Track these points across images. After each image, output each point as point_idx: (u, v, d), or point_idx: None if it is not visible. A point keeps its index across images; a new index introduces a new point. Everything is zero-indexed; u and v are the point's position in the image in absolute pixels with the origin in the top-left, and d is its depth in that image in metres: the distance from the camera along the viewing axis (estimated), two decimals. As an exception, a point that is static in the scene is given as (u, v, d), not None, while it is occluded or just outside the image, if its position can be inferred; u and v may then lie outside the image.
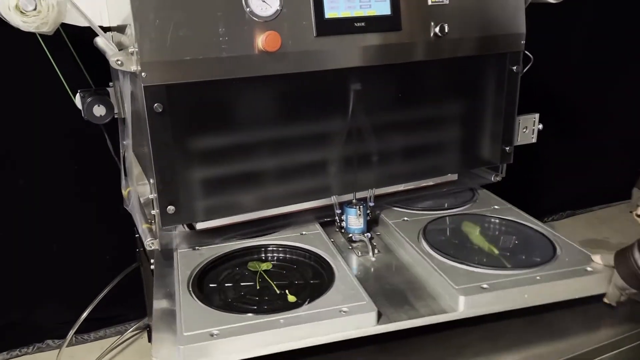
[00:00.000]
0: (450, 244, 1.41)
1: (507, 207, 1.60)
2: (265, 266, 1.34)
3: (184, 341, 1.03)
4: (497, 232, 1.49)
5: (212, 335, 1.04)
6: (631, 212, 1.57)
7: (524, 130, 1.67)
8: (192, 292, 1.20)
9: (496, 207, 1.59)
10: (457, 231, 1.49)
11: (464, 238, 1.44)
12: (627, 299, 1.22)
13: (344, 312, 1.10)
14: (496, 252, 1.36)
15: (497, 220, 1.52)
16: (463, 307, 1.15)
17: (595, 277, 1.23)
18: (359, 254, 1.42)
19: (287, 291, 1.22)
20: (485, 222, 1.52)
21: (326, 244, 1.39)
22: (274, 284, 1.26)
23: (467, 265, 1.26)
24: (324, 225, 1.51)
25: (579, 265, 1.26)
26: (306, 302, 1.15)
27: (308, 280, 1.29)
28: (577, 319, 1.22)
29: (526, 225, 1.48)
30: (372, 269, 1.37)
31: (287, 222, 1.50)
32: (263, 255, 1.40)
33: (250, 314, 1.12)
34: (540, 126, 1.68)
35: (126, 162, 1.39)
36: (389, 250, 1.45)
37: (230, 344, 1.04)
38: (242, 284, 1.28)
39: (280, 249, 1.40)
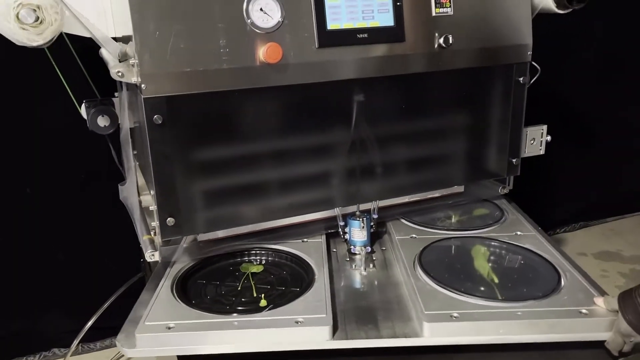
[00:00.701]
0: (449, 267, 1.36)
1: (530, 233, 1.50)
2: (255, 269, 1.36)
3: (141, 330, 1.11)
4: (505, 260, 1.41)
5: (168, 327, 1.11)
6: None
7: (532, 142, 1.64)
8: (174, 286, 1.26)
9: (519, 232, 1.50)
10: (463, 254, 1.42)
11: (468, 262, 1.38)
12: (631, 349, 1.11)
13: (299, 322, 1.11)
14: (496, 280, 1.30)
15: (510, 247, 1.43)
16: (428, 333, 1.10)
17: (587, 322, 1.12)
18: (353, 267, 1.41)
19: (262, 295, 1.25)
20: (497, 247, 1.44)
21: (321, 253, 1.40)
22: (255, 287, 1.29)
23: (451, 291, 1.20)
24: (333, 235, 1.51)
25: (575, 305, 1.16)
26: (268, 308, 1.17)
27: (288, 286, 1.30)
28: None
29: (539, 255, 1.38)
30: (358, 284, 1.36)
31: (292, 233, 1.50)
32: (257, 257, 1.41)
33: (210, 313, 1.16)
34: (549, 138, 1.66)
35: (129, 172, 1.39)
36: (386, 266, 1.42)
37: (181, 339, 1.09)
38: (226, 283, 1.32)
39: (273, 253, 1.42)
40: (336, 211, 1.49)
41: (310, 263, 1.37)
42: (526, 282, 1.31)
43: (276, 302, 1.22)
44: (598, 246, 2.90)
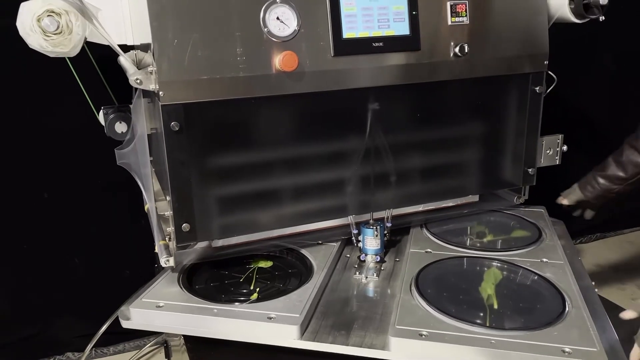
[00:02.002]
0: (451, 286, 1.32)
1: (558, 262, 1.40)
2: (264, 264, 1.41)
3: (135, 305, 1.24)
4: (515, 287, 1.33)
5: (157, 306, 1.22)
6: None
7: (548, 151, 1.63)
8: (183, 272, 1.35)
9: (545, 259, 1.41)
10: (473, 275, 1.37)
11: (475, 284, 1.32)
12: None
13: (271, 318, 1.15)
14: (495, 306, 1.24)
15: (526, 274, 1.35)
16: (392, 348, 1.09)
17: None
18: (356, 274, 1.41)
19: (258, 289, 1.31)
20: (512, 272, 1.37)
21: (329, 256, 1.43)
22: (255, 281, 1.34)
23: (434, 309, 1.17)
24: (351, 241, 1.52)
25: (562, 343, 1.07)
26: (250, 301, 1.23)
27: (285, 284, 1.34)
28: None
29: (553, 286, 1.28)
30: (353, 291, 1.35)
31: (307, 240, 1.51)
32: (270, 254, 1.46)
33: (200, 298, 1.24)
34: (565, 147, 1.64)
35: (144, 178, 1.40)
36: (390, 277, 1.40)
37: (165, 318, 1.20)
38: (233, 273, 1.37)
39: (285, 251, 1.47)
40: (349, 219, 1.49)
41: (313, 264, 1.40)
42: (526, 311, 1.23)
43: (266, 297, 1.26)
44: (614, 258, 2.86)
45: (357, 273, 1.42)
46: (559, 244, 1.51)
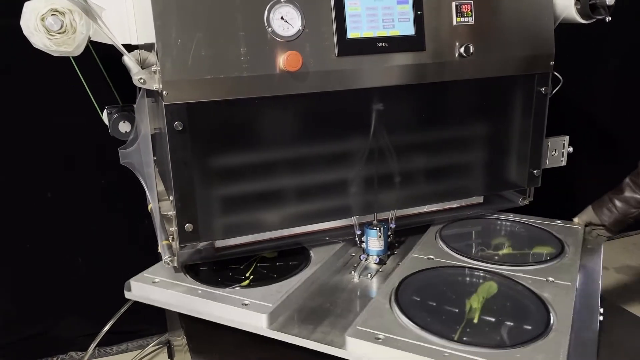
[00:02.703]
0: (437, 295, 1.27)
1: (564, 283, 1.29)
2: (268, 254, 1.45)
3: (137, 279, 1.34)
4: (506, 303, 1.25)
5: (153, 282, 1.32)
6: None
7: (553, 153, 1.62)
8: (192, 256, 1.40)
9: (552, 279, 1.31)
10: (466, 286, 1.31)
11: (464, 296, 1.26)
12: None
13: (245, 305, 1.21)
14: (475, 320, 1.18)
15: (523, 292, 1.26)
16: (348, 347, 1.10)
17: None
18: (351, 273, 1.41)
19: (251, 276, 1.36)
20: (509, 288, 1.29)
21: (329, 252, 1.45)
22: (253, 269, 1.38)
23: (403, 315, 1.14)
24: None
25: None
26: (233, 287, 1.29)
27: (280, 275, 1.36)
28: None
29: (546, 308, 1.19)
30: (339, 288, 1.36)
31: (311, 240, 1.51)
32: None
33: (192, 279, 1.32)
34: (570, 149, 1.63)
35: (147, 178, 1.40)
36: (384, 280, 1.37)
37: (158, 293, 1.30)
38: (236, 259, 1.42)
39: (294, 244, 1.48)
40: (353, 220, 1.48)
41: (312, 259, 1.42)
42: (503, 329, 1.15)
43: (256, 284, 1.31)
44: (619, 260, 2.85)
45: (352, 272, 1.41)
46: (579, 264, 1.40)
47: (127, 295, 1.35)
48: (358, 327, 1.12)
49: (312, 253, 1.46)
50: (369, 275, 1.40)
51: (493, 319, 1.18)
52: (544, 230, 1.59)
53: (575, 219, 1.67)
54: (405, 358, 1.04)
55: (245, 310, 1.20)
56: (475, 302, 1.23)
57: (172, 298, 1.28)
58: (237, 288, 1.29)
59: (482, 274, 1.34)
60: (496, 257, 1.45)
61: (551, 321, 1.15)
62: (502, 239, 1.57)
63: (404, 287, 1.27)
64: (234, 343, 1.24)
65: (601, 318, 1.22)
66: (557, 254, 1.44)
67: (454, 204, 1.66)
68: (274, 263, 1.44)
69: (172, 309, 1.30)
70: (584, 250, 1.50)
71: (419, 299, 1.25)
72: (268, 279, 1.34)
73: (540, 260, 1.41)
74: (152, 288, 1.30)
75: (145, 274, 1.35)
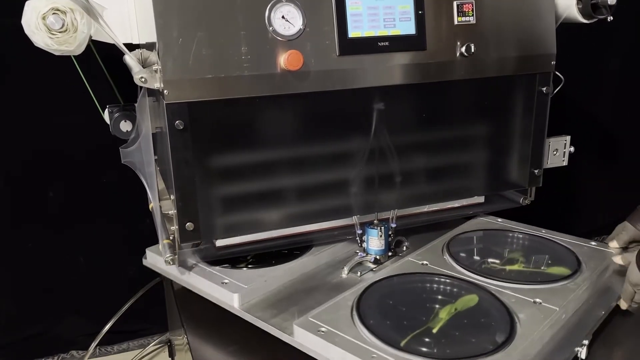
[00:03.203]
0: (407, 300, 1.24)
1: (552, 307, 1.18)
2: None
3: (152, 249, 1.53)
4: (475, 319, 1.18)
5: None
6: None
7: (555, 152, 1.62)
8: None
9: (539, 300, 1.21)
10: (444, 295, 1.26)
11: (436, 303, 1.23)
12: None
13: (224, 283, 1.32)
14: (434, 330, 1.13)
15: (497, 309, 1.18)
16: (295, 335, 1.15)
17: None
18: (343, 268, 1.43)
19: (251, 260, 1.46)
20: (486, 304, 1.21)
21: (330, 249, 1.50)
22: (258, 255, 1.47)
23: (356, 314, 1.15)
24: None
25: None
26: (224, 266, 1.40)
27: (278, 262, 1.43)
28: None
29: (512, 328, 1.11)
30: (325, 281, 1.39)
31: (311, 238, 1.51)
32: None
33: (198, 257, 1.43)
34: (572, 149, 1.63)
35: (148, 177, 1.41)
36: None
37: (160, 264, 1.43)
38: None
39: (303, 234, 1.52)
40: (354, 219, 1.48)
41: (309, 252, 1.47)
42: (454, 343, 1.11)
43: (251, 267, 1.41)
44: (621, 260, 2.84)
45: (344, 267, 1.43)
46: (586, 293, 1.28)
47: (144, 262, 1.55)
48: (309, 318, 1.15)
49: (313, 247, 1.50)
50: (359, 273, 1.41)
51: (454, 332, 1.13)
52: (569, 250, 1.45)
53: (613, 244, 1.43)
54: (330, 351, 1.07)
55: (221, 288, 1.30)
56: (444, 313, 1.19)
57: (173, 270, 1.41)
58: (227, 267, 1.39)
59: (465, 286, 1.27)
60: (503, 273, 1.37)
61: (508, 344, 1.07)
62: (517, 254, 1.47)
63: (376, 288, 1.26)
64: (235, 342, 1.25)
65: (582, 356, 1.12)
66: (565, 277, 1.31)
67: (455, 204, 1.66)
68: (280, 251, 1.48)
69: (170, 278, 1.47)
70: (602, 277, 1.35)
71: (390, 302, 1.24)
72: (264, 263, 1.42)
73: (541, 281, 1.30)
74: (159, 259, 1.43)
75: (160, 246, 1.41)
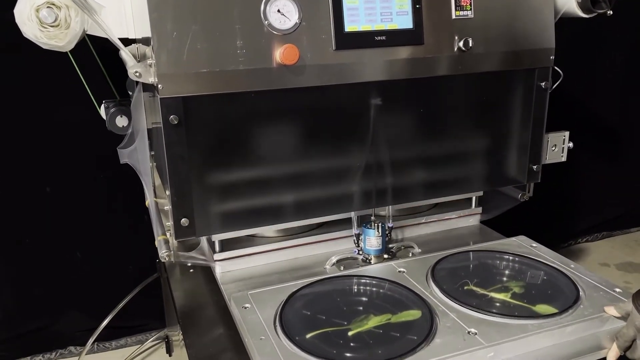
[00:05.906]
0: (347, 302, 1.23)
1: (479, 344, 1.05)
2: None
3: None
4: (399, 333, 1.12)
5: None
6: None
7: (553, 148, 1.61)
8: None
9: (474, 330, 1.10)
10: (393, 305, 1.21)
11: (374, 310, 1.19)
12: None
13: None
14: (350, 334, 1.12)
15: (425, 328, 1.11)
16: (230, 306, 1.28)
17: None
18: (334, 261, 1.47)
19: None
20: (425, 321, 1.13)
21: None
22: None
23: (278, 313, 1.17)
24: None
25: None
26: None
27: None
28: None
29: (422, 342, 1.06)
30: (302, 270, 1.45)
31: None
32: None
33: None
34: (571, 144, 1.62)
35: (144, 173, 1.40)
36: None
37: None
38: None
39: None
40: (352, 219, 1.47)
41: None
42: (360, 351, 1.08)
43: None
44: (621, 257, 2.84)
45: (329, 259, 1.47)
46: (548, 339, 1.09)
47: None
48: (248, 293, 1.25)
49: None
50: (342, 268, 1.44)
51: (367, 340, 1.10)
52: (574, 285, 1.25)
53: (609, 310, 1.16)
54: (243, 330, 1.15)
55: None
56: (374, 322, 1.15)
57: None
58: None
59: (415, 300, 1.20)
60: (481, 298, 1.23)
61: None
62: (517, 284, 1.30)
63: (324, 282, 1.30)
64: (230, 339, 1.24)
65: None
66: (578, 291, 1.21)
67: (453, 216, 1.68)
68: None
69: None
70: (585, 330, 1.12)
71: (326, 299, 1.25)
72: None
73: (504, 314, 1.15)
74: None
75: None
